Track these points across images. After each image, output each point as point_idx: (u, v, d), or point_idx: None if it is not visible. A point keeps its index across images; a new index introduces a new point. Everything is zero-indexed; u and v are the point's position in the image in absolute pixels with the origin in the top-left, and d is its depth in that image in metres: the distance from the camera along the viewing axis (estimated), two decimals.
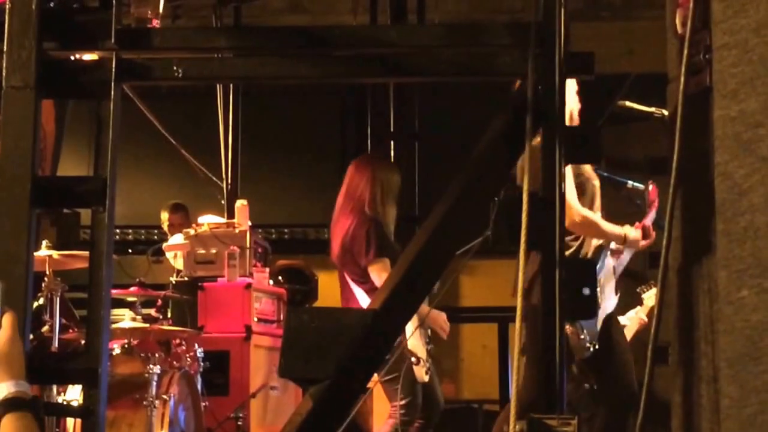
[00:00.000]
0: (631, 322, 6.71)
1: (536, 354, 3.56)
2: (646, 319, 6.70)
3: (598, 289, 4.80)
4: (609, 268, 5.21)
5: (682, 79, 2.98)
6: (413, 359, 5.85)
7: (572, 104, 5.13)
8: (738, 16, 2.75)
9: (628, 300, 6.59)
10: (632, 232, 5.46)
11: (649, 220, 6.04)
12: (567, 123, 4.65)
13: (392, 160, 9.98)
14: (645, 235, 5.79)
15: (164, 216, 9.36)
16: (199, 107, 10.25)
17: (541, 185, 3.59)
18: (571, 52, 3.64)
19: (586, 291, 3.63)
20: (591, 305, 3.75)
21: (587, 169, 5.18)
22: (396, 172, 6.54)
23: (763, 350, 2.64)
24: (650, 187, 6.51)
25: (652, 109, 5.10)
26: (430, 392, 6.22)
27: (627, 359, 5.42)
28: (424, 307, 5.29)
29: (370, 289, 6.02)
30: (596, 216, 5.13)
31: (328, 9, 10.46)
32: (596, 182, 5.29)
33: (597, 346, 5.04)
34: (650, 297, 6.82)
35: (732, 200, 2.73)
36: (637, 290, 6.80)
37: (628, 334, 6.49)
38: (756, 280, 2.66)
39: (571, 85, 5.08)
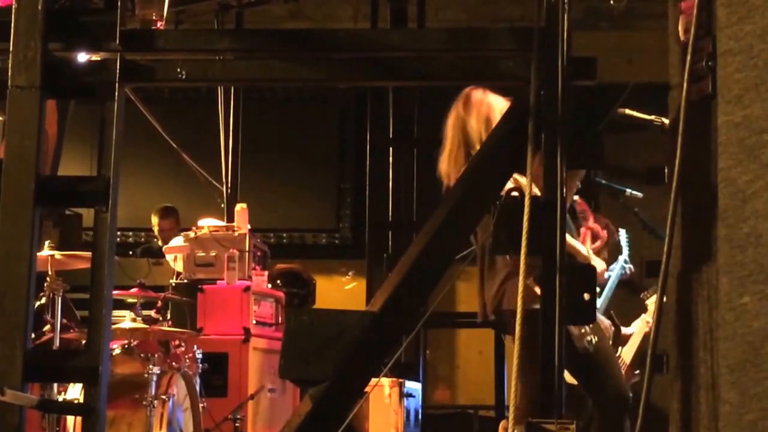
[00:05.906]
0: (638, 329, 6.68)
1: (531, 359, 3.56)
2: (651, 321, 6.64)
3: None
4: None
5: (685, 85, 2.98)
6: None
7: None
8: (743, 21, 2.76)
9: (627, 309, 6.59)
10: (599, 262, 5.45)
11: (591, 222, 6.03)
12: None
13: (391, 165, 10.02)
14: (594, 237, 5.79)
15: (155, 220, 9.37)
16: (200, 111, 10.30)
17: (543, 190, 3.60)
18: (573, 57, 3.65)
19: (586, 296, 3.63)
20: (590, 310, 3.74)
21: None
22: None
23: (765, 357, 2.65)
24: (576, 198, 6.51)
25: (652, 117, 5.09)
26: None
27: (616, 362, 5.42)
28: None
29: None
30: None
31: (329, 16, 10.49)
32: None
33: (595, 341, 5.01)
34: (654, 301, 6.79)
35: (735, 206, 2.73)
36: (641, 296, 6.79)
37: (636, 341, 6.47)
38: (758, 286, 2.67)
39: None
